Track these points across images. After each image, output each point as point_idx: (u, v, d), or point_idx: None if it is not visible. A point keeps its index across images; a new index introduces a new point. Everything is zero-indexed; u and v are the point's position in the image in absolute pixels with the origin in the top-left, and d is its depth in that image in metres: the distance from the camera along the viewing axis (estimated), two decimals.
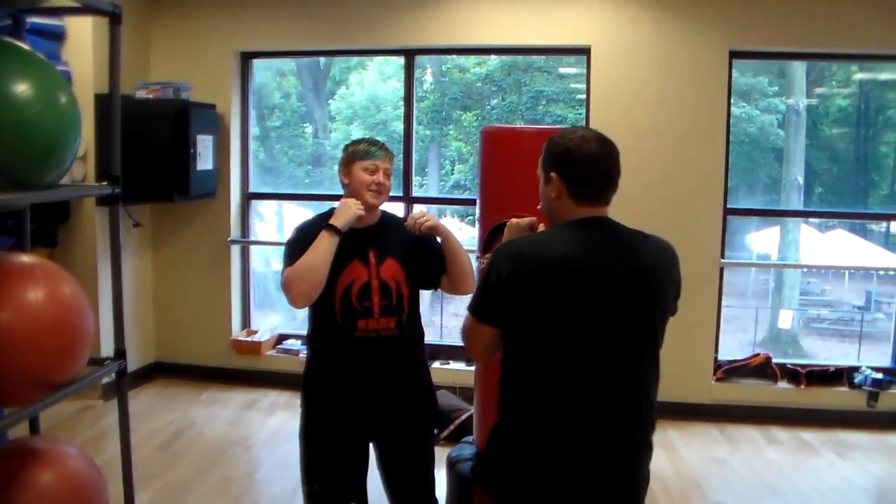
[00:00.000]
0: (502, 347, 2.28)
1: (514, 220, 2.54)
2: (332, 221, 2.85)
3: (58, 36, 5.51)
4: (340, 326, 2.94)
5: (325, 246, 2.83)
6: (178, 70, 6.23)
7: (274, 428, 5.40)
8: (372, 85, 9.90)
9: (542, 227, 2.46)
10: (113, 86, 2.87)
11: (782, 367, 5.89)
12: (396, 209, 6.32)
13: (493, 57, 9.09)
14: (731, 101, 5.82)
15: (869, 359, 10.17)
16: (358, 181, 2.96)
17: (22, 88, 2.26)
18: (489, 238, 3.62)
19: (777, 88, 9.36)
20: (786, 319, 11.61)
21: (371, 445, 3.13)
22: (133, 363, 2.75)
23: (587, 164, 2.22)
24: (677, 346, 5.64)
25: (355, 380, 2.97)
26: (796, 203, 9.36)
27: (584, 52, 5.86)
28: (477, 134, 9.68)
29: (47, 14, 2.91)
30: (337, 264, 2.87)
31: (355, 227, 2.93)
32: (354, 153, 3.01)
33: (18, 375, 2.29)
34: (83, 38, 5.54)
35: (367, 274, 2.95)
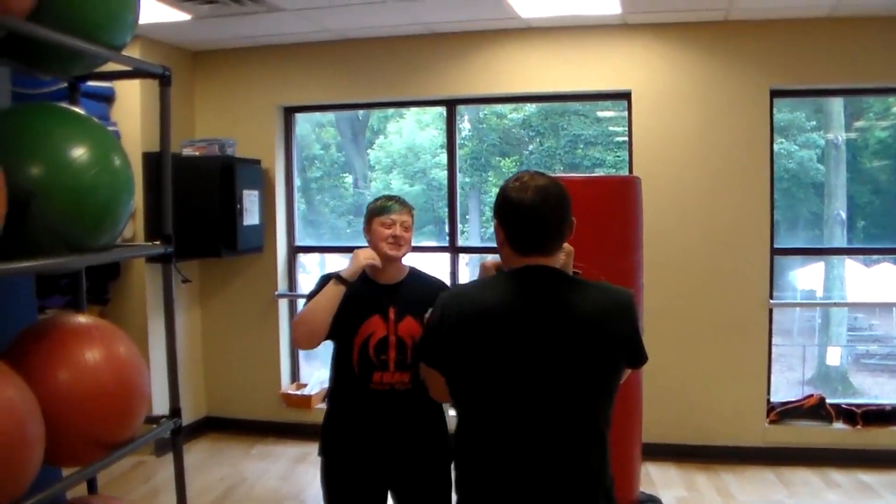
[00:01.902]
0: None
1: (485, 262, 2.54)
2: (341, 271, 3.00)
3: (107, 98, 5.65)
4: (357, 377, 3.04)
5: (329, 294, 2.98)
6: (223, 126, 6.35)
7: None
8: (410, 133, 9.96)
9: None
10: (164, 146, 2.91)
11: (837, 407, 5.76)
12: (442, 260, 6.33)
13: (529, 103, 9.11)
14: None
15: None
16: (376, 236, 3.09)
17: (78, 153, 2.29)
18: None
19: (815, 123, 9.27)
20: (834, 356, 11.37)
21: (389, 494, 3.20)
22: (184, 418, 2.78)
23: (519, 213, 2.20)
24: (728, 388, 5.62)
25: (370, 430, 3.05)
26: (840, 238, 9.20)
27: (625, 96, 5.87)
28: None
29: (101, 79, 2.96)
30: (357, 317, 3.03)
31: (380, 283, 3.10)
32: (373, 210, 3.15)
33: (77, 436, 2.29)
34: (131, 98, 5.68)
35: (385, 329, 3.05)
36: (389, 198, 3.19)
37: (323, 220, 9.31)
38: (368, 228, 3.15)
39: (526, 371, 2.11)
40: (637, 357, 2.26)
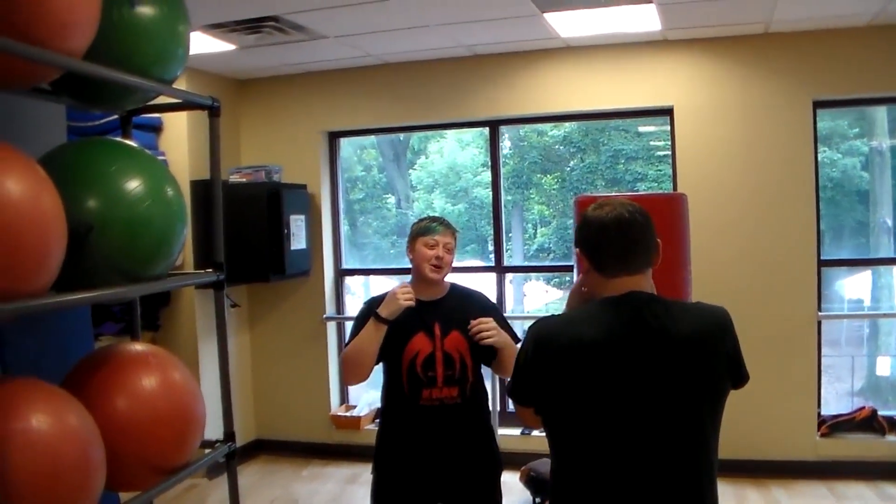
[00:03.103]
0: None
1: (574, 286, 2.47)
2: (380, 311, 3.03)
3: (155, 128, 5.77)
4: (406, 395, 3.10)
5: (370, 335, 3.05)
6: (268, 153, 6.45)
7: None
8: (451, 153, 9.98)
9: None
10: (214, 175, 2.96)
11: (890, 419, 5.65)
12: (489, 280, 6.34)
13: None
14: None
15: None
16: (420, 256, 3.15)
17: (133, 186, 2.35)
18: None
19: (858, 130, 9.14)
20: (884, 366, 11.14)
21: None
22: (240, 438, 2.85)
23: (599, 232, 2.15)
24: (778, 402, 5.54)
25: (421, 445, 3.10)
26: (887, 246, 8.99)
27: (667, 112, 5.86)
28: (558, 196, 9.72)
29: (153, 112, 3.03)
30: (403, 336, 3.09)
31: (424, 300, 3.14)
32: (417, 230, 3.20)
33: (135, 462, 2.33)
34: (178, 127, 5.80)
35: (431, 346, 3.11)
36: (434, 219, 3.24)
37: (367, 241, 9.36)
38: (412, 248, 3.20)
39: (632, 403, 2.03)
40: (739, 377, 2.17)
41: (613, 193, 5.93)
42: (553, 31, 5.36)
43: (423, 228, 3.19)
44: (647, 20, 5.19)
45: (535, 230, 10.71)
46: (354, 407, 6.59)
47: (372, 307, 3.14)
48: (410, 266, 3.25)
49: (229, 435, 3.03)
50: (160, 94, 2.69)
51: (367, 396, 6.69)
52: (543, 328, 2.18)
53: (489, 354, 3.20)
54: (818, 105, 5.63)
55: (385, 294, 3.18)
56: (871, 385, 10.25)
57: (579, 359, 2.06)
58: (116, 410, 2.27)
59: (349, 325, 6.73)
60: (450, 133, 9.52)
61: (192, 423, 2.59)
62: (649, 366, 2.03)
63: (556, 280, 9.96)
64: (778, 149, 5.57)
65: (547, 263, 9.42)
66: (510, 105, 6.07)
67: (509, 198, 10.02)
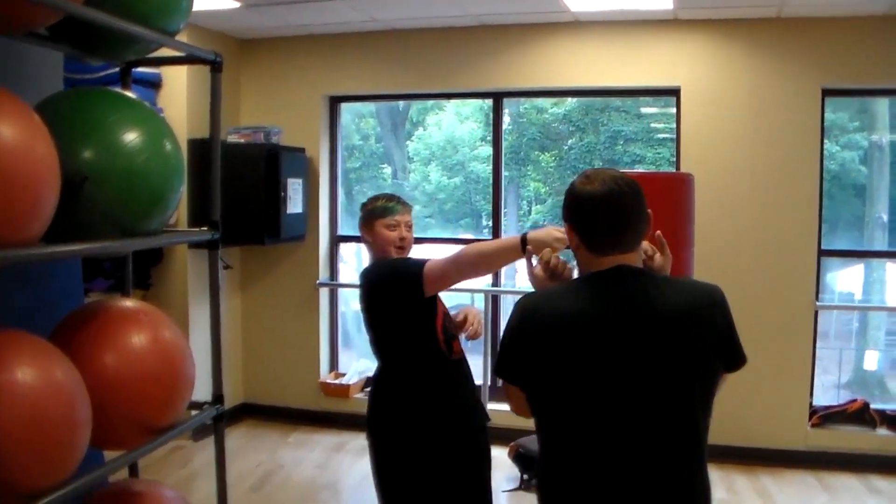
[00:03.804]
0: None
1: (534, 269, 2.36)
2: (533, 237, 2.61)
3: (154, 84, 5.68)
4: (443, 352, 3.02)
5: (507, 251, 2.75)
6: (268, 114, 6.37)
7: (363, 472, 5.29)
8: (449, 126, 9.92)
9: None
10: (213, 133, 2.90)
11: (881, 413, 5.64)
12: None
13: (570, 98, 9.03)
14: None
15: None
16: (382, 239, 3.07)
17: (131, 137, 2.29)
18: None
19: (858, 124, 9.10)
20: (872, 361, 11.17)
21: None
22: (228, 401, 2.82)
23: (591, 207, 2.04)
24: (771, 391, 5.52)
25: (454, 398, 3.08)
26: (881, 241, 8.97)
27: (674, 93, 5.79)
28: (555, 174, 9.66)
29: (154, 64, 2.97)
30: (431, 300, 2.97)
31: None
32: (373, 211, 3.10)
33: (122, 420, 2.30)
34: (178, 84, 5.71)
35: (441, 304, 3.07)
36: (390, 197, 3.15)
37: (341, 210, 9.31)
38: (370, 230, 3.10)
39: (618, 380, 1.96)
40: (734, 358, 2.08)
41: (641, 171, 5.88)
42: (563, 4, 5.28)
43: (382, 209, 3.09)
44: None
45: (530, 207, 10.69)
46: (344, 375, 6.55)
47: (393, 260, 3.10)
48: (367, 249, 3.19)
49: (218, 397, 3.00)
50: (162, 45, 2.63)
51: (357, 365, 6.66)
52: (529, 302, 2.11)
53: None
54: (827, 93, 5.57)
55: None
56: (858, 378, 10.28)
57: (564, 332, 1.99)
58: (104, 366, 2.23)
59: (343, 293, 6.81)
60: (449, 106, 9.47)
61: (181, 383, 2.56)
62: (636, 340, 1.96)
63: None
64: (784, 135, 5.52)
65: None
66: (515, 77, 5.99)
67: (506, 174, 9.92)
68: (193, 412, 2.83)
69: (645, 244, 2.21)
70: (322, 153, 6.47)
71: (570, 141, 9.88)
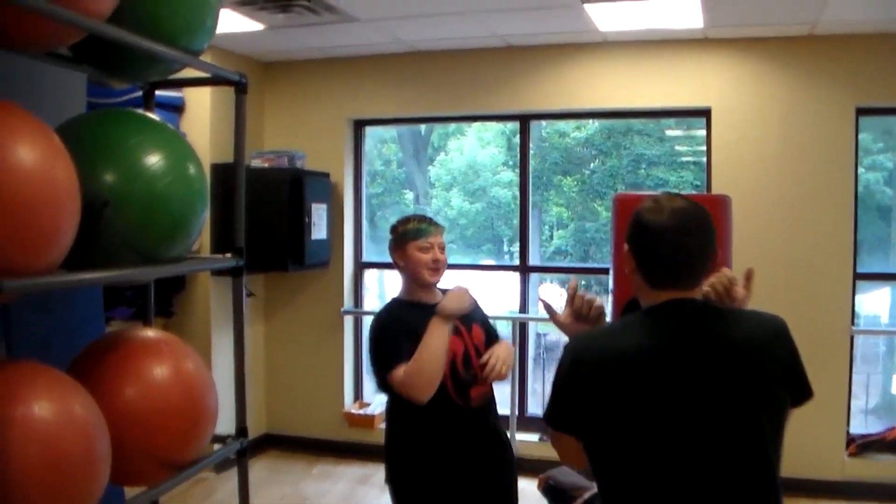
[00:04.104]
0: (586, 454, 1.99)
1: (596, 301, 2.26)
2: (444, 309, 2.80)
3: (178, 108, 5.63)
4: (455, 403, 2.88)
5: (440, 336, 2.78)
6: (291, 138, 6.31)
7: None
8: (471, 151, 9.91)
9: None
10: (238, 156, 2.83)
11: None
12: (512, 279, 6.20)
13: (593, 121, 8.96)
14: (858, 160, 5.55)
15: None
16: (415, 262, 2.94)
17: (153, 160, 2.22)
18: (625, 311, 3.43)
19: (882, 145, 8.99)
20: None
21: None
22: (251, 431, 2.75)
23: (654, 240, 1.91)
24: (805, 419, 5.25)
25: (483, 450, 2.96)
26: None
27: (704, 113, 5.68)
28: (577, 199, 9.58)
29: (178, 86, 2.92)
30: None
31: (427, 304, 2.94)
32: (405, 234, 2.98)
33: (143, 455, 2.22)
34: (202, 108, 5.66)
35: (462, 344, 2.93)
36: (421, 219, 3.04)
37: (385, 235, 9.26)
38: (402, 253, 2.98)
39: (687, 419, 1.83)
40: (801, 391, 1.97)
41: (661, 192, 5.71)
42: (592, 23, 5.18)
43: (414, 231, 2.98)
44: (689, 16, 5.01)
45: (552, 233, 10.62)
46: (368, 405, 6.43)
47: (392, 325, 2.94)
48: (400, 273, 3.06)
49: (241, 430, 2.92)
50: (186, 65, 2.56)
51: (382, 395, 6.53)
52: (581, 343, 2.00)
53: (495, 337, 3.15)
54: (861, 112, 5.44)
55: (391, 307, 3.06)
56: (886, 403, 10.11)
57: (624, 373, 1.85)
58: (125, 399, 2.16)
59: (367, 320, 6.68)
60: (470, 131, 9.46)
61: (204, 417, 2.48)
62: (703, 376, 1.83)
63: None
64: (817, 156, 5.39)
65: (575, 265, 9.28)
66: (542, 100, 5.90)
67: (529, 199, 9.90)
68: (216, 446, 2.75)
69: (716, 282, 2.12)
70: (346, 178, 6.39)
71: (592, 165, 9.84)
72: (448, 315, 2.79)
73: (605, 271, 8.64)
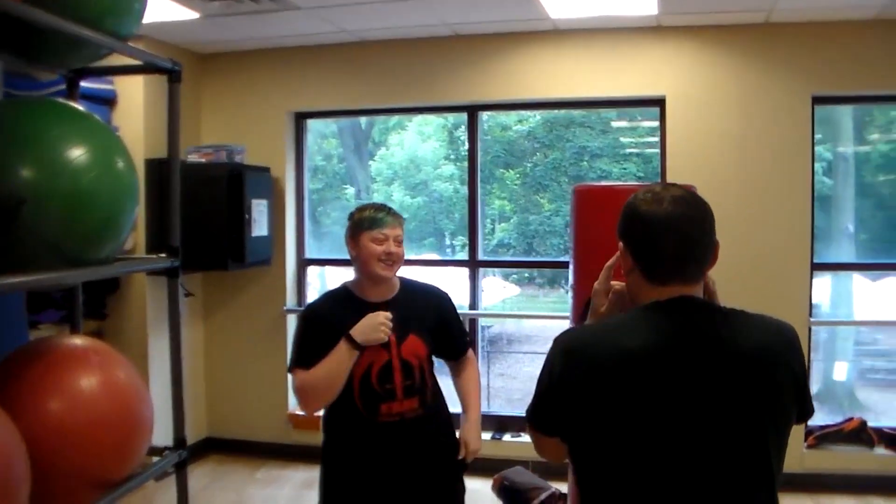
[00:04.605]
0: (568, 458, 1.85)
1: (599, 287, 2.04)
2: (357, 336, 2.66)
3: (108, 101, 5.38)
4: (361, 413, 2.75)
5: (343, 359, 2.67)
6: (230, 132, 6.08)
7: None
8: (411, 145, 9.92)
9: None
10: (172, 150, 2.67)
11: (879, 431, 5.46)
12: (461, 274, 6.07)
13: (535, 114, 8.94)
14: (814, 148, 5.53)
15: None
16: (367, 253, 2.78)
17: (76, 154, 2.05)
18: (587, 308, 3.31)
19: (821, 136, 9.16)
20: (841, 371, 11.19)
21: None
22: (189, 437, 2.58)
23: (655, 232, 1.77)
24: None
25: (381, 467, 2.77)
26: (848, 252, 8.97)
27: (658, 103, 5.60)
28: (520, 192, 9.55)
29: (105, 74, 2.72)
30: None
31: (371, 301, 2.81)
32: (360, 222, 2.83)
33: (70, 474, 2.06)
34: (134, 101, 5.40)
35: (387, 354, 2.77)
36: (378, 207, 2.87)
37: (325, 231, 9.15)
38: (355, 243, 2.82)
39: (687, 427, 1.68)
40: (806, 407, 1.84)
41: (642, 183, 5.63)
42: (543, 10, 5.06)
43: (369, 220, 2.81)
44: (643, 2, 4.93)
45: (494, 226, 10.62)
46: None
47: (315, 320, 2.82)
48: (353, 263, 2.89)
49: (180, 441, 2.75)
50: (113, 51, 2.37)
51: None
52: (575, 339, 1.82)
53: (449, 351, 3.03)
54: (817, 101, 5.41)
55: (324, 301, 2.94)
56: (828, 390, 10.26)
57: (623, 374, 1.69)
58: (49, 414, 2.01)
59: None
60: (411, 125, 9.40)
61: (138, 430, 2.33)
62: (708, 381, 1.69)
63: (515, 276, 9.84)
64: (774, 145, 5.35)
65: (521, 258, 9.25)
66: (492, 90, 5.76)
67: (469, 192, 9.86)
68: (153, 458, 2.57)
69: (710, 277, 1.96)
70: (288, 172, 6.18)
71: (534, 157, 9.86)
72: (355, 343, 2.66)
73: (552, 265, 8.74)
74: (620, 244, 1.85)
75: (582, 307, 3.32)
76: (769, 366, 1.73)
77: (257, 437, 6.16)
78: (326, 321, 2.75)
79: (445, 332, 2.96)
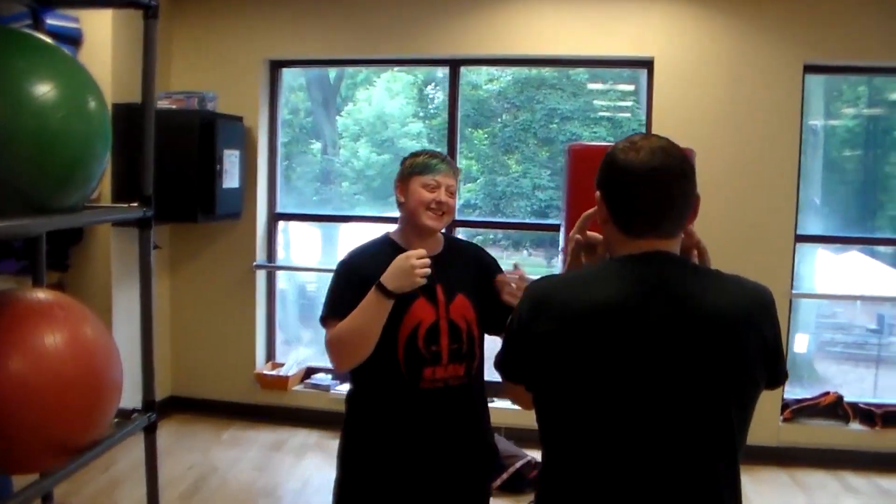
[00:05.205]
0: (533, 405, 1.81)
1: (572, 235, 2.00)
2: (388, 283, 2.42)
3: (74, 40, 5.08)
4: (404, 376, 2.52)
5: (374, 311, 2.44)
6: (202, 79, 5.81)
7: (305, 476, 4.88)
8: (379, 102, 9.74)
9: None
10: (147, 93, 2.50)
11: (855, 406, 5.45)
12: None
13: (507, 73, 8.83)
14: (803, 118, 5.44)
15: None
16: (416, 199, 2.57)
17: (44, 90, 1.87)
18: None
19: None
20: (801, 344, 11.28)
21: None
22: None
23: (630, 182, 1.70)
24: None
25: (418, 437, 2.55)
26: (815, 225, 9.01)
27: (646, 64, 5.46)
28: (488, 152, 9.45)
29: (74, 6, 2.51)
30: (400, 303, 2.47)
31: None
32: (413, 166, 2.62)
33: (33, 438, 1.93)
34: (101, 41, 5.09)
35: (434, 313, 2.54)
36: (434, 154, 2.66)
37: (290, 186, 9.02)
38: (405, 187, 2.61)
39: (648, 386, 1.63)
40: (777, 372, 1.78)
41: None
42: None
43: (422, 165, 2.60)
44: None
45: (461, 185, 10.60)
46: (282, 365, 6.06)
47: (354, 268, 2.59)
48: (399, 211, 2.67)
49: (149, 404, 2.61)
50: None
51: (297, 354, 6.21)
52: (544, 287, 1.76)
53: (499, 321, 2.53)
54: (809, 69, 5.30)
55: (368, 248, 2.67)
56: (790, 362, 10.33)
57: (587, 325, 1.64)
58: (10, 373, 1.88)
59: (281, 275, 6.34)
60: (379, 81, 9.26)
61: (107, 391, 2.22)
62: (673, 341, 1.62)
63: (480, 237, 9.78)
64: (763, 113, 5.25)
65: (489, 219, 9.17)
66: (475, 44, 5.56)
67: (438, 150, 9.68)
68: (118, 420, 2.42)
69: (699, 243, 1.92)
70: (261, 123, 5.95)
71: (503, 118, 9.71)
72: (387, 291, 2.42)
73: (519, 226, 8.66)
74: (598, 194, 1.78)
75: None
76: (737, 329, 1.67)
77: (223, 396, 5.98)
78: (363, 272, 2.50)
79: (494, 300, 2.65)
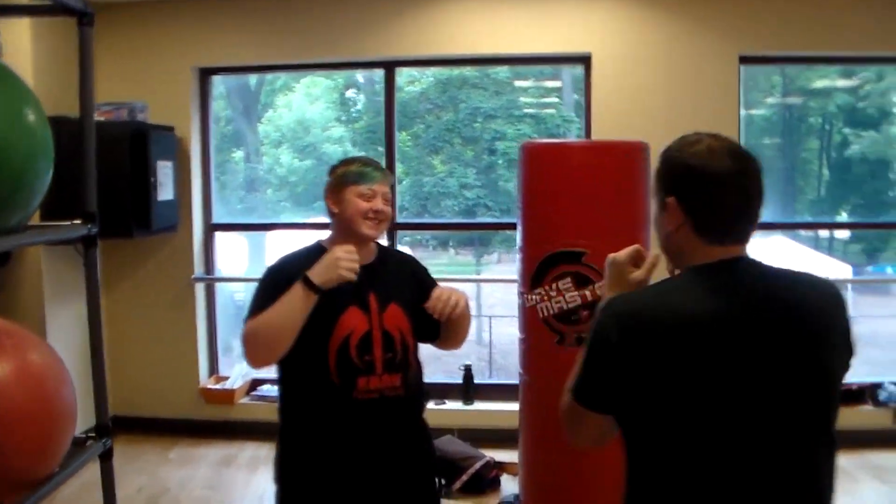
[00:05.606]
0: (621, 437, 1.71)
1: (612, 256, 1.89)
2: (313, 276, 2.33)
3: None
4: (336, 387, 2.44)
5: (296, 304, 2.34)
6: (130, 89, 5.63)
7: (259, 490, 4.71)
8: (299, 107, 9.74)
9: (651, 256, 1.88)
10: (85, 105, 2.43)
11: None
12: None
13: (427, 74, 8.90)
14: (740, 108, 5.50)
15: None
16: (352, 209, 2.48)
17: None
18: (539, 271, 3.13)
19: None
20: None
21: None
22: (87, 421, 2.26)
23: (716, 187, 1.65)
24: None
25: (353, 449, 2.48)
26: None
27: (583, 60, 5.48)
28: (412, 154, 9.46)
29: (5, 13, 2.38)
30: (332, 311, 2.41)
31: None
32: (346, 175, 2.53)
33: None
34: (20, 52, 4.80)
35: (367, 323, 2.47)
36: (367, 161, 2.58)
37: (217, 196, 8.95)
38: (338, 197, 2.52)
39: (757, 397, 1.59)
40: (849, 363, 1.74)
41: (581, 139, 5.50)
42: None
43: (356, 174, 2.52)
44: None
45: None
46: (227, 378, 5.91)
47: (282, 271, 2.48)
48: (331, 219, 2.59)
49: (103, 428, 2.48)
50: None
51: (241, 367, 6.07)
52: (628, 305, 1.66)
53: (432, 331, 2.61)
54: (744, 60, 5.39)
55: (301, 253, 2.57)
56: None
57: (691, 340, 1.58)
58: None
59: (220, 287, 6.18)
60: (299, 87, 9.28)
61: (61, 419, 2.11)
62: (777, 345, 1.60)
63: (407, 239, 9.79)
64: (701, 104, 5.30)
65: (420, 220, 9.17)
66: (410, 45, 5.51)
67: (362, 153, 9.70)
68: (71, 448, 2.29)
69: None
70: (193, 132, 5.80)
71: (427, 119, 9.81)
72: (311, 284, 2.34)
73: (447, 227, 8.67)
74: (669, 199, 1.70)
75: (534, 270, 3.17)
76: (828, 324, 1.69)
77: (168, 413, 5.80)
78: (293, 277, 2.39)
79: (413, 309, 2.60)
